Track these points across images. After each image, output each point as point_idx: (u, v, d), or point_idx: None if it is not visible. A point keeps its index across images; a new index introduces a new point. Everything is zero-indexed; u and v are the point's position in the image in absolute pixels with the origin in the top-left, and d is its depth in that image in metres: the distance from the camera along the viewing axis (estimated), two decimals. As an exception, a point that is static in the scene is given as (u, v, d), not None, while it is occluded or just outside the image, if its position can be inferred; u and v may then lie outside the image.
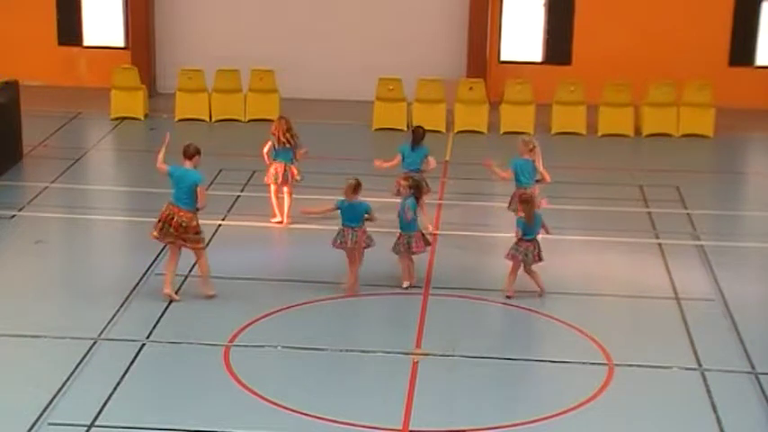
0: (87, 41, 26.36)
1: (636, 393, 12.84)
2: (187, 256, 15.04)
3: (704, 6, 25.29)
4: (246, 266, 15.92)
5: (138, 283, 15.42)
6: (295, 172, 17.52)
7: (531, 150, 16.68)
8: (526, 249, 15.09)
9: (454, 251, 16.87)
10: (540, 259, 15.18)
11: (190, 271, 15.53)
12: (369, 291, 15.36)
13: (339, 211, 15.14)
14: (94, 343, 13.68)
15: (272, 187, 17.60)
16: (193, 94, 24.12)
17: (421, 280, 15.61)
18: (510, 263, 15.22)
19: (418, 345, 13.84)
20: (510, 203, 16.73)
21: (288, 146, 17.46)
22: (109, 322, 14.24)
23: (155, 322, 14.30)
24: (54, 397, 12.32)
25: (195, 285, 15.23)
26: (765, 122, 24.54)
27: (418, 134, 17.44)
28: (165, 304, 14.77)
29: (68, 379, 12.74)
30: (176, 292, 15.01)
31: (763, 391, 12.88)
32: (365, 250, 15.23)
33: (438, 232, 17.30)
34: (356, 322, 14.78)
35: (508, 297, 15.16)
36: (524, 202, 15.16)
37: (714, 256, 16.84)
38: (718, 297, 15.46)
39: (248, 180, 19.39)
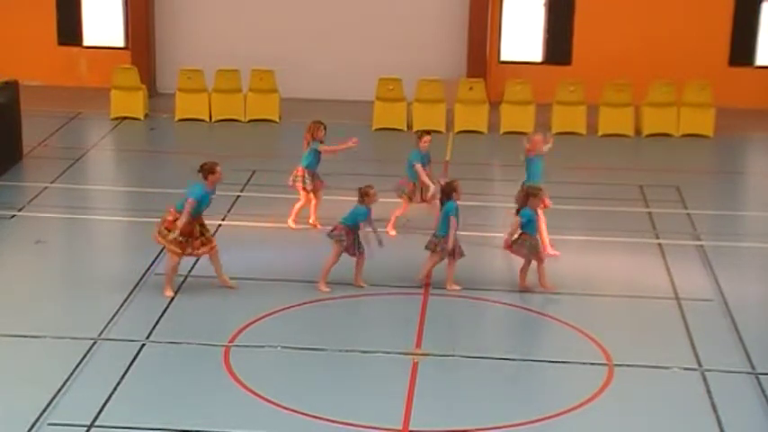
0: (87, 41, 26.37)
1: (636, 393, 12.84)
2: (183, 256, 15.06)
3: (704, 6, 25.30)
4: (246, 266, 15.91)
5: (137, 284, 15.42)
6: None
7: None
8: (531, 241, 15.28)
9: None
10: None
11: (189, 271, 15.56)
12: (369, 291, 15.37)
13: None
14: (94, 343, 13.68)
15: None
16: (193, 94, 24.11)
17: (421, 280, 15.60)
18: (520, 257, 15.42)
19: (418, 345, 13.84)
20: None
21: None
22: (109, 322, 14.24)
23: (155, 322, 14.30)
24: (54, 397, 12.32)
25: (195, 286, 15.30)
26: (765, 122, 24.54)
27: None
28: (166, 304, 14.79)
29: (68, 379, 12.74)
30: (176, 293, 15.12)
31: (763, 391, 12.88)
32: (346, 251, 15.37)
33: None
34: (356, 322, 14.78)
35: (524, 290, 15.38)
36: (534, 196, 15.26)
37: (714, 256, 16.84)
38: (718, 297, 15.45)
39: (248, 180, 19.39)
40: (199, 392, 12.63)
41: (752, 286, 15.98)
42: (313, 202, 17.57)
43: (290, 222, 17.56)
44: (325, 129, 17.57)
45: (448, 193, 15.41)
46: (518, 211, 15.42)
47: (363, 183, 15.51)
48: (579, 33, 25.53)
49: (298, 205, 17.54)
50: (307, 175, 17.39)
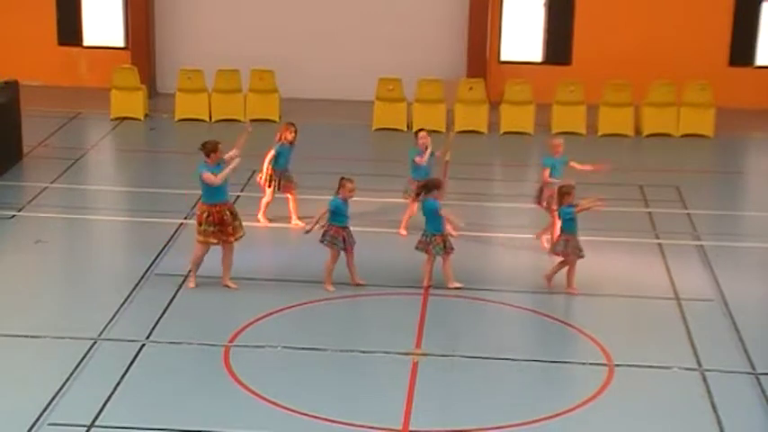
0: (87, 41, 26.35)
1: (636, 393, 12.84)
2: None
3: (704, 6, 25.29)
4: (246, 266, 15.90)
5: (138, 283, 15.43)
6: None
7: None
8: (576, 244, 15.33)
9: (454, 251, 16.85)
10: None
11: (189, 272, 15.55)
12: (369, 291, 15.37)
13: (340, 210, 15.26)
14: (94, 343, 13.68)
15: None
16: (193, 94, 24.11)
17: (420, 280, 15.59)
18: (560, 258, 15.44)
19: (418, 345, 13.84)
20: (542, 199, 16.88)
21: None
22: (109, 322, 14.24)
23: (155, 322, 14.30)
24: (54, 397, 12.32)
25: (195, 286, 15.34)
26: (765, 122, 24.53)
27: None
28: (166, 304, 14.79)
29: (68, 379, 12.74)
30: (177, 292, 15.12)
31: (763, 391, 12.88)
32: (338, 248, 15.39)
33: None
34: (356, 322, 14.79)
35: (572, 293, 15.41)
36: (567, 194, 15.31)
37: (714, 256, 16.83)
38: (718, 297, 15.45)
39: (248, 180, 19.38)
40: (199, 392, 12.63)
41: (752, 286, 15.98)
42: (291, 203, 17.64)
43: (260, 217, 17.65)
44: (296, 131, 17.61)
45: (430, 188, 15.39)
46: (557, 212, 15.53)
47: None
48: (579, 33, 25.52)
49: (264, 200, 17.65)
50: (274, 175, 17.48)
